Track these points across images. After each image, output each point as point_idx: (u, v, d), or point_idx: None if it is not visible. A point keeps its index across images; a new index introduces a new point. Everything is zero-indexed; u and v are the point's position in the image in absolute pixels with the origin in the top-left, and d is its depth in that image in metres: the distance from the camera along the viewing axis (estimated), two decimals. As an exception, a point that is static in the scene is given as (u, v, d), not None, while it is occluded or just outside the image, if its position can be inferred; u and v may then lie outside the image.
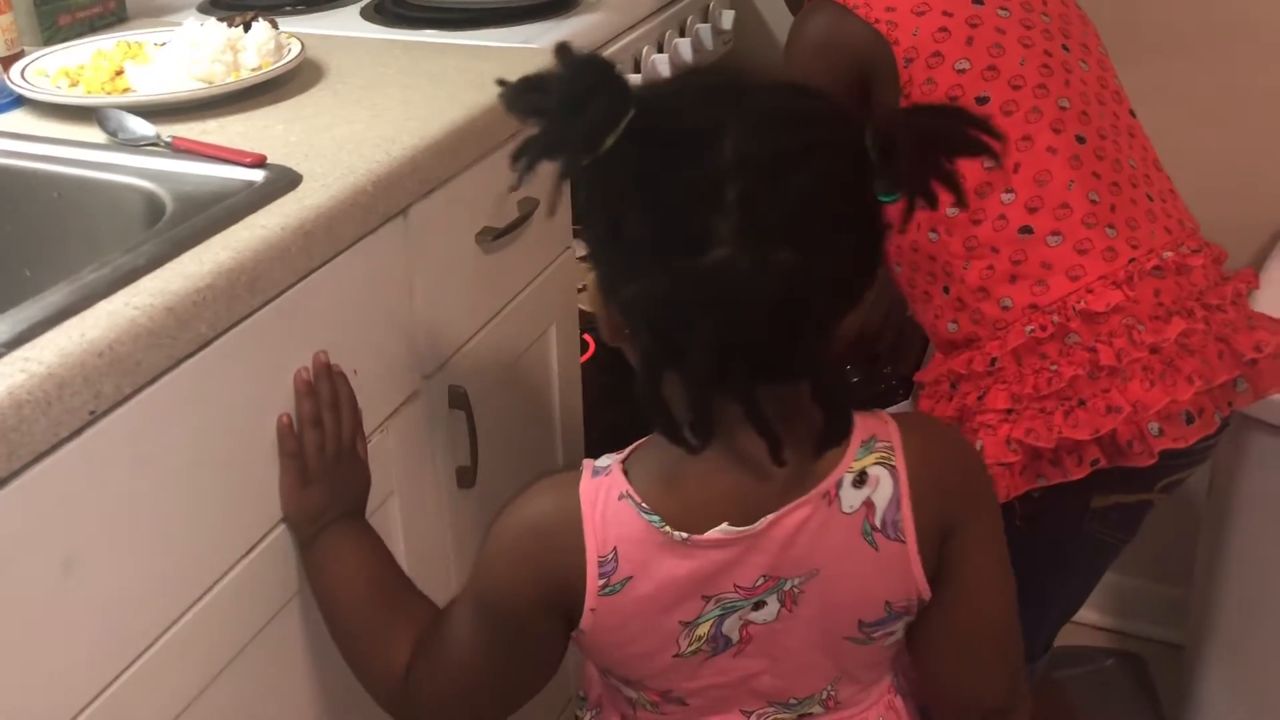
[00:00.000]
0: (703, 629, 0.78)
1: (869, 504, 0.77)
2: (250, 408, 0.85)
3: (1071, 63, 1.16)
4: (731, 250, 0.66)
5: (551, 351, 1.32)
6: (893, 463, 0.77)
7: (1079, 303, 1.09)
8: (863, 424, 0.78)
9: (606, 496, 0.77)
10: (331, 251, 0.90)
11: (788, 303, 0.68)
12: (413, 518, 1.06)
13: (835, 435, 0.75)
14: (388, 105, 1.09)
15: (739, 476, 0.75)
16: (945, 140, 0.70)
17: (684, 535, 0.75)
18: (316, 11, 1.44)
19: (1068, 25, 1.19)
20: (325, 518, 0.90)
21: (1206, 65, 1.57)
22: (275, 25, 1.20)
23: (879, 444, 0.78)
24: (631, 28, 1.45)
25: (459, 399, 1.10)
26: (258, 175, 0.93)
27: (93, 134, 1.02)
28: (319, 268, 0.89)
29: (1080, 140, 1.13)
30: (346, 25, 1.38)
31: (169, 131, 1.01)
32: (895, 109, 0.71)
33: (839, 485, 0.76)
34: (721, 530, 0.75)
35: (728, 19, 1.65)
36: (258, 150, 0.96)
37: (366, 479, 0.94)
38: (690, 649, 0.79)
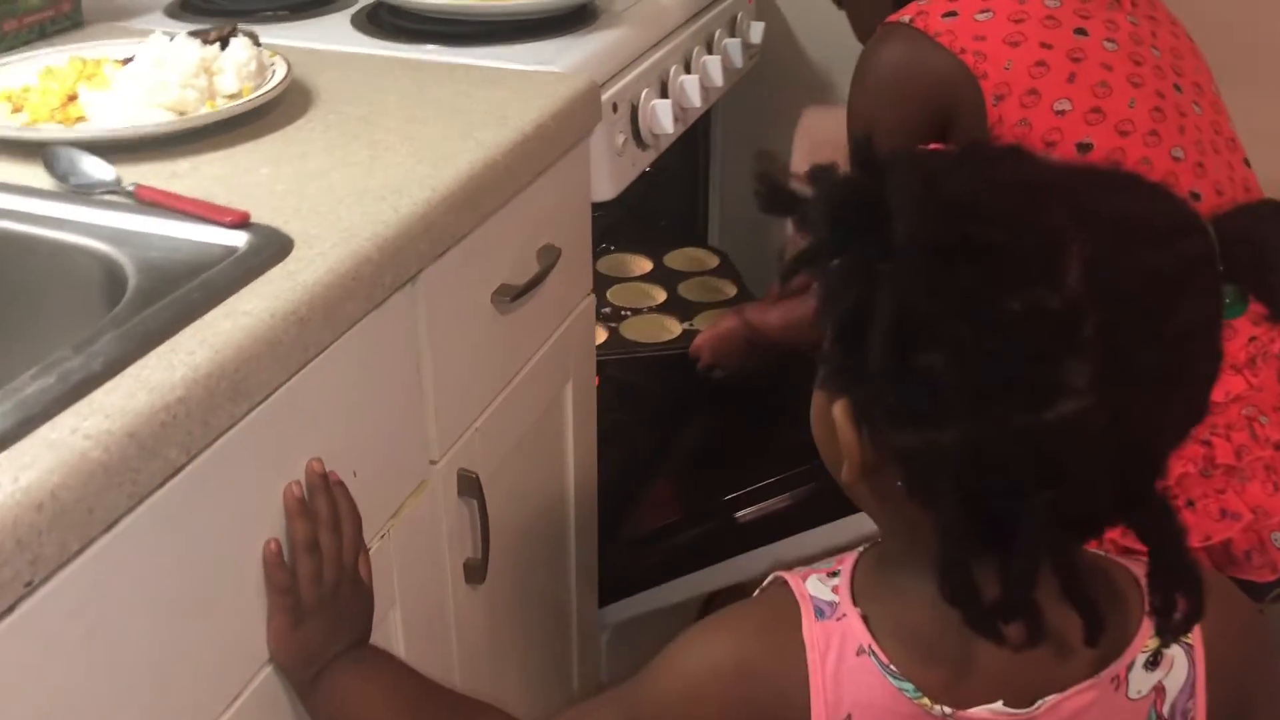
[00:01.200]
0: None
1: (1159, 689, 0.63)
2: (230, 539, 0.69)
3: (1185, 105, 1.02)
4: (1089, 401, 0.51)
5: (567, 413, 1.17)
6: (1189, 641, 0.64)
7: (1189, 387, 0.95)
8: None
9: (841, 648, 0.62)
10: (330, 338, 0.74)
11: (1139, 457, 0.55)
12: (415, 628, 0.91)
13: (1189, 621, 0.60)
14: (391, 144, 0.93)
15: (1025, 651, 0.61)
16: None
17: (946, 710, 0.61)
18: (300, 19, 1.27)
19: (1179, 61, 1.05)
20: (324, 657, 0.75)
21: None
22: (257, 41, 1.03)
23: None
24: (657, 45, 1.29)
25: (469, 485, 0.95)
26: (239, 239, 0.77)
27: (39, 176, 0.85)
28: (314, 358, 0.73)
29: (1195, 198, 0.98)
30: (336, 37, 1.21)
31: (131, 175, 0.84)
32: (1235, 213, 0.56)
33: (1129, 667, 0.63)
34: (993, 709, 0.61)
35: (756, 31, 1.50)
36: (239, 201, 0.81)
37: (370, 604, 0.79)
38: None
